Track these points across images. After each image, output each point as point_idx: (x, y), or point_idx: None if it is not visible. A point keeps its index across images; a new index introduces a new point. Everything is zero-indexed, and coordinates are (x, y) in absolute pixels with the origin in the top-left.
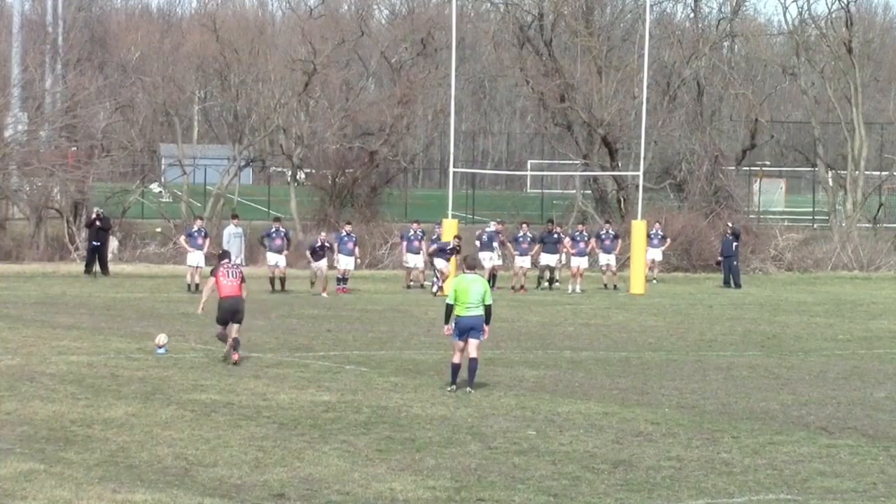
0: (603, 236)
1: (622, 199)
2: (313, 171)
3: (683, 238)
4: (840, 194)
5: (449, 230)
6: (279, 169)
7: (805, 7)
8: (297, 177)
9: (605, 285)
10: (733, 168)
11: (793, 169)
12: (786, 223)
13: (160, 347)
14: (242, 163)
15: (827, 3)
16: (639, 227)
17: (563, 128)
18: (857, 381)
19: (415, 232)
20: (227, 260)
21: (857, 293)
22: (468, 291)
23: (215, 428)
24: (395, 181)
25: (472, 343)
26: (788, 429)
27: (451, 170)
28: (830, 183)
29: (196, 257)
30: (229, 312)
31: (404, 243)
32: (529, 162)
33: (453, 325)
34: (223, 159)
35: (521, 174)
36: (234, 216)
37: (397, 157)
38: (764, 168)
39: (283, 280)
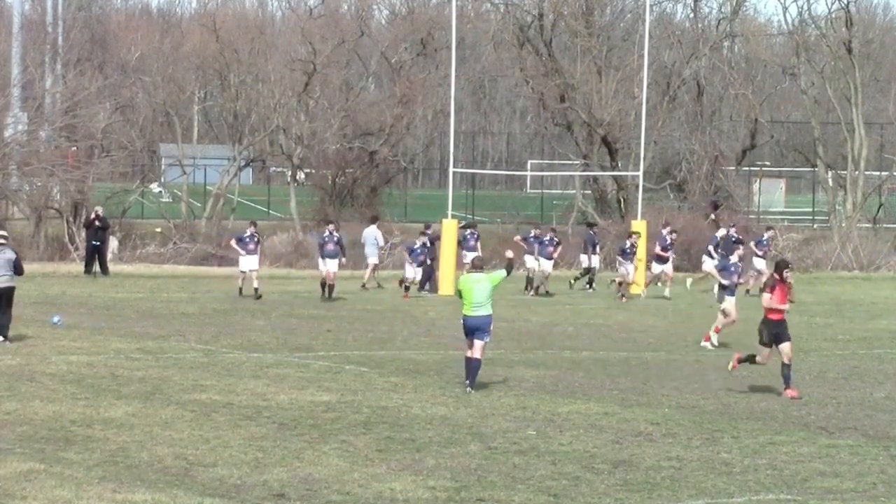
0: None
1: (622, 199)
2: (313, 171)
3: (683, 238)
4: (840, 194)
5: (448, 230)
6: (279, 169)
7: (805, 7)
8: (297, 177)
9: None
10: (733, 168)
11: (793, 169)
12: (786, 223)
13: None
14: (242, 163)
15: (827, 3)
16: (638, 227)
17: (563, 128)
18: (857, 381)
19: (472, 232)
20: None
21: (857, 293)
22: (472, 291)
23: (215, 428)
24: (394, 181)
25: (477, 344)
26: (788, 429)
27: (451, 170)
28: (830, 183)
29: (248, 262)
30: None
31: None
32: (529, 162)
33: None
34: (223, 159)
35: (521, 174)
36: (375, 218)
37: (397, 157)
38: (764, 168)
39: (331, 287)
